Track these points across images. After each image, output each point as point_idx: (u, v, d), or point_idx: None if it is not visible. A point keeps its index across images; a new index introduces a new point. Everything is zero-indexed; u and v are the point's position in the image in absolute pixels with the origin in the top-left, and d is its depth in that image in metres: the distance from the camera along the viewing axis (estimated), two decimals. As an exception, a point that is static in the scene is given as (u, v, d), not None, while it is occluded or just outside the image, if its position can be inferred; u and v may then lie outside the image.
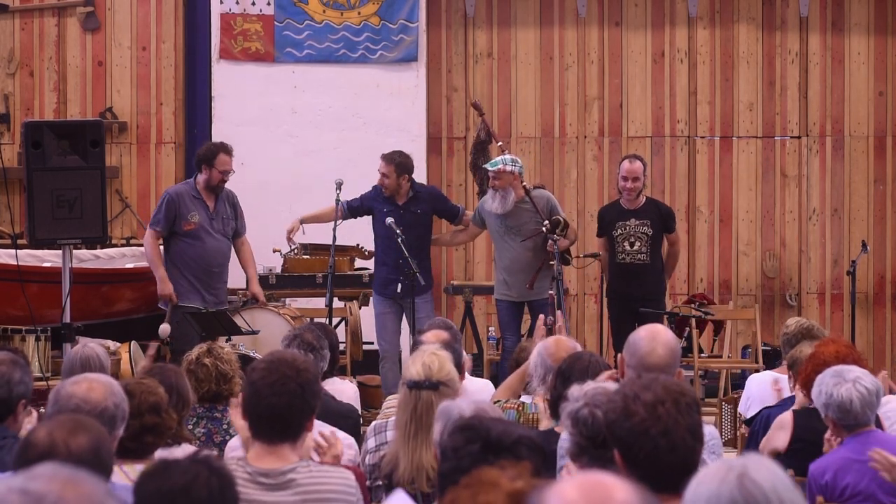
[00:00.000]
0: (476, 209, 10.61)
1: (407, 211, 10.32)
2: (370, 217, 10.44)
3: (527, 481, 2.72)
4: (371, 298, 10.70)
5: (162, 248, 10.15)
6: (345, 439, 5.55)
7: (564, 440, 4.80)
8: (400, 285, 9.98)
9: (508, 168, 10.16)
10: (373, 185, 10.47)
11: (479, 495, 2.67)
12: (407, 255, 9.89)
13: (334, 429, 5.47)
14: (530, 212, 10.13)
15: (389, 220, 10.10)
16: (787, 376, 7.09)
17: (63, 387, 4.38)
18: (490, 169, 10.24)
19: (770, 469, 2.81)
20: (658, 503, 2.42)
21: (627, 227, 10.45)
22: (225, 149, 10.14)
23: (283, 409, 4.23)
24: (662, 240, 10.62)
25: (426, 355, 5.18)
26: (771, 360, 11.12)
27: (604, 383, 4.35)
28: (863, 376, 5.40)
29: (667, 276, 10.84)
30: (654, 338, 4.80)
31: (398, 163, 10.31)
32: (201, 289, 9.98)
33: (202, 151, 10.20)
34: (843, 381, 5.37)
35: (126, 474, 4.49)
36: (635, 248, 10.44)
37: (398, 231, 9.98)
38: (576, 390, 4.08)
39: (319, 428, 5.04)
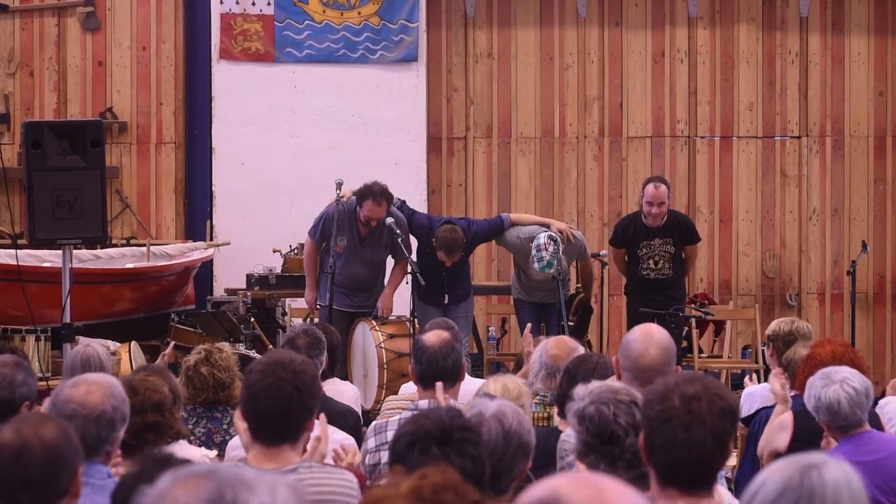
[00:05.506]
0: (505, 237, 10.38)
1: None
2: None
3: (418, 478, 2.64)
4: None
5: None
6: (344, 440, 5.55)
7: (565, 439, 4.79)
8: (447, 295, 10.13)
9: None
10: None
11: None
12: (407, 255, 9.99)
13: (348, 435, 5.47)
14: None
15: (389, 219, 10.07)
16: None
17: (62, 389, 4.32)
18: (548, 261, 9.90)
19: (846, 477, 2.77)
20: None
21: (652, 247, 10.58)
22: (374, 195, 9.81)
23: (281, 413, 4.22)
24: (683, 251, 10.76)
25: (510, 380, 5.32)
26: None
27: (610, 382, 4.33)
28: (851, 377, 5.37)
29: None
30: (646, 339, 4.77)
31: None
32: (350, 296, 10.14)
33: (359, 189, 9.91)
34: (831, 383, 5.35)
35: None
36: (659, 266, 10.61)
37: (398, 231, 9.96)
38: (581, 389, 4.07)
39: (333, 434, 5.04)
